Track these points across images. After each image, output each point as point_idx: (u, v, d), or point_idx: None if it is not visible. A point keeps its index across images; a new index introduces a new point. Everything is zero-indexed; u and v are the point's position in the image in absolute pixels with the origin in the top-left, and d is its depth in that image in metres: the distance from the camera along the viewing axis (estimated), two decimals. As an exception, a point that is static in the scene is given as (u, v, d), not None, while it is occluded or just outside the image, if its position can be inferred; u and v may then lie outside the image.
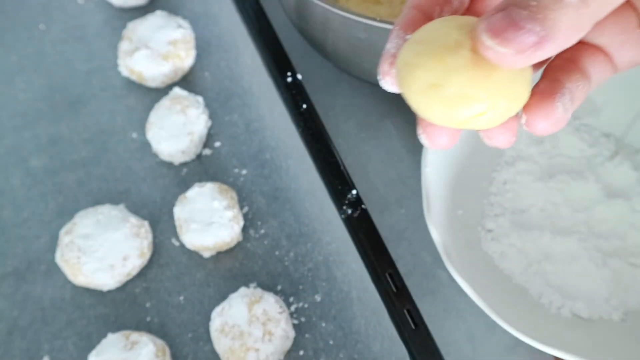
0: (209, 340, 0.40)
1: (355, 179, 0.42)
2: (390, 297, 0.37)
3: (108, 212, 0.43)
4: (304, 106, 0.45)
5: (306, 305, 0.41)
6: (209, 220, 0.42)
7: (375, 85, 0.48)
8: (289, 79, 0.46)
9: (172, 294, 0.42)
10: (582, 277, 0.40)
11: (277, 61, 0.47)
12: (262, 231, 0.44)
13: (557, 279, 0.40)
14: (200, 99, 0.49)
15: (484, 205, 0.44)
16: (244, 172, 0.47)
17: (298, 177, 0.46)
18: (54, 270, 0.43)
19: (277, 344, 0.38)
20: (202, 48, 0.53)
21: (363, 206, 0.41)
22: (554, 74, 0.23)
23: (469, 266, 0.38)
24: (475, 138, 0.41)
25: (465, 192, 0.43)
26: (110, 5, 0.56)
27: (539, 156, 0.45)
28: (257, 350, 0.38)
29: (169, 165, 0.48)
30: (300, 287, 0.42)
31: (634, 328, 0.38)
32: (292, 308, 0.41)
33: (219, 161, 0.48)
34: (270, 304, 0.40)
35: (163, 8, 0.54)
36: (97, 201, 0.46)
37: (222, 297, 0.41)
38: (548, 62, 0.24)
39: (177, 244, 0.44)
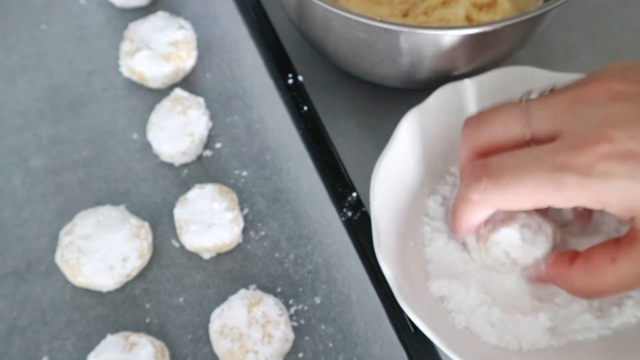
0: (208, 342, 0.40)
1: (355, 180, 0.42)
2: (390, 300, 0.37)
3: (108, 213, 0.43)
4: (305, 108, 0.45)
5: (306, 308, 0.41)
6: (209, 222, 0.42)
7: (375, 85, 0.48)
8: (290, 81, 0.46)
9: (172, 296, 0.42)
10: (524, 315, 0.36)
11: (278, 62, 0.47)
12: (262, 233, 0.44)
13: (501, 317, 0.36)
14: (201, 100, 0.49)
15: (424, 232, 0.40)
16: (245, 173, 0.47)
17: (299, 179, 0.46)
18: (54, 270, 0.43)
19: (276, 346, 0.38)
20: (204, 49, 0.53)
21: (363, 209, 0.41)
22: None
23: (422, 301, 0.36)
24: (425, 163, 0.40)
25: (416, 223, 0.40)
26: (112, 6, 0.56)
27: None
28: (256, 352, 0.38)
29: (170, 166, 0.48)
30: (300, 289, 0.42)
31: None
32: (292, 310, 0.41)
33: (220, 162, 0.47)
34: (270, 306, 0.40)
35: (164, 9, 0.54)
36: (98, 202, 0.46)
37: (222, 298, 0.41)
38: None
39: (177, 245, 0.44)
